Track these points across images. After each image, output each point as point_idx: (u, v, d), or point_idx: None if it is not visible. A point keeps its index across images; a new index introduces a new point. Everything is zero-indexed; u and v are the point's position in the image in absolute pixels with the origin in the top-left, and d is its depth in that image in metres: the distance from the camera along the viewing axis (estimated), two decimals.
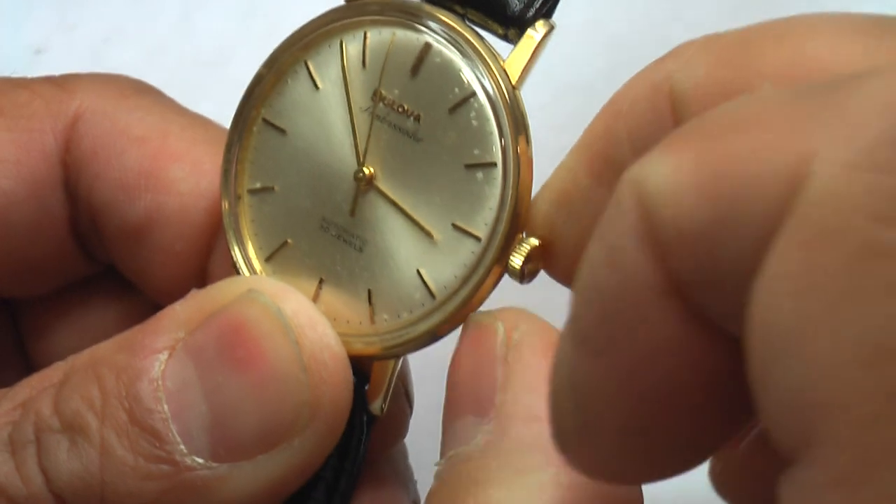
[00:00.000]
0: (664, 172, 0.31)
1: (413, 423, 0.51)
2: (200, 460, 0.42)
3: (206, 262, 0.51)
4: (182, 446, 0.42)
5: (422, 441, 0.51)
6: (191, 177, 0.50)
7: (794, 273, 0.26)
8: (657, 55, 0.40)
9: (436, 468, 0.41)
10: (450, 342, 0.45)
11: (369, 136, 0.45)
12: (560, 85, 0.69)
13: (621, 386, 0.32)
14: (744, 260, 0.28)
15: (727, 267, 0.29)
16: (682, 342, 0.31)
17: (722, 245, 0.29)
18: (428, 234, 0.44)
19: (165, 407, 0.42)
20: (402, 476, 0.51)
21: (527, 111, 0.44)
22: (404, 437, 0.51)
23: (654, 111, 0.39)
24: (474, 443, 0.39)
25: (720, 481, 0.44)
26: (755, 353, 0.27)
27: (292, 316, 0.43)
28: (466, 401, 0.39)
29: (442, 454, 0.41)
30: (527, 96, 0.44)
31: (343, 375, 0.44)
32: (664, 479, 0.33)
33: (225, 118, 0.50)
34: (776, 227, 0.27)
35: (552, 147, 0.45)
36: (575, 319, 0.33)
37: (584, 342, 0.32)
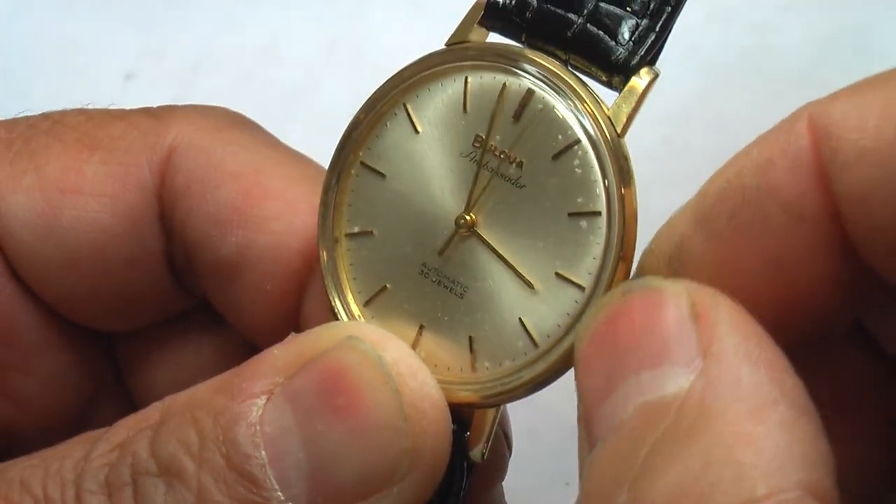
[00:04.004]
0: (848, 104, 0.38)
1: None
2: None
3: (299, 302, 0.51)
4: (279, 493, 0.41)
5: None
6: (284, 215, 0.50)
7: None
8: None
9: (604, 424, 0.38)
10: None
11: (476, 182, 0.45)
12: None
13: (725, 267, 0.40)
14: None
15: None
16: (808, 258, 0.39)
17: None
18: (528, 284, 0.44)
19: (263, 452, 0.42)
20: None
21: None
22: (503, 479, 0.51)
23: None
24: (676, 388, 0.37)
25: None
26: None
27: (393, 364, 0.43)
28: (645, 357, 0.38)
29: (602, 419, 0.38)
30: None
31: (443, 424, 0.43)
32: None
33: (313, 144, 0.49)
34: None
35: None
36: (704, 203, 0.41)
37: (705, 222, 0.40)
